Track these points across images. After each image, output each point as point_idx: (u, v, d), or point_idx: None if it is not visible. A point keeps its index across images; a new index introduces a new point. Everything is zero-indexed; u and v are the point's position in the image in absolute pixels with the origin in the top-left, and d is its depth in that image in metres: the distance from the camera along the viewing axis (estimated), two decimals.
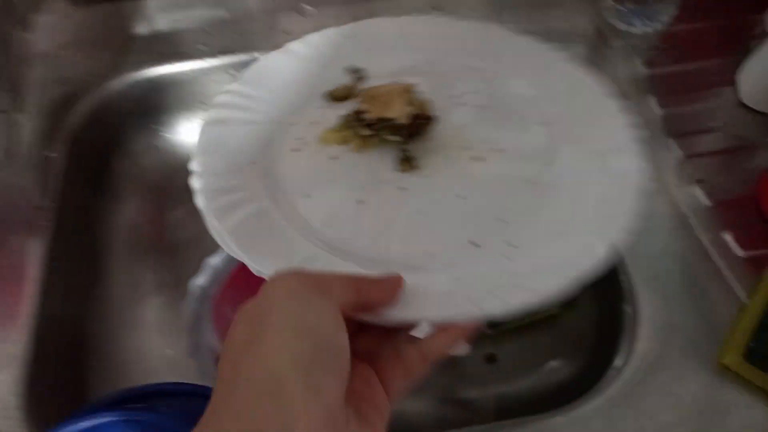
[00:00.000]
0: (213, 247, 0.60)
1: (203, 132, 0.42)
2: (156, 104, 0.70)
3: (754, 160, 0.58)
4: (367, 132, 0.42)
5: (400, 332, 0.32)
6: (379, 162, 0.42)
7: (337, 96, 0.46)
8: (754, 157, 0.59)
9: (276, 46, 0.67)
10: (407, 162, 0.42)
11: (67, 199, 0.61)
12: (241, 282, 0.61)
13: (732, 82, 0.62)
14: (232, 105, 0.44)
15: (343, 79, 0.47)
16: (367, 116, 0.42)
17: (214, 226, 0.38)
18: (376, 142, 0.42)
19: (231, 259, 0.61)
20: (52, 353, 0.55)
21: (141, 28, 0.69)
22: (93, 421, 0.42)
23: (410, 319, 0.32)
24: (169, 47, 0.68)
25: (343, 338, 0.26)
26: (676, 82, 0.64)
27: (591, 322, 0.58)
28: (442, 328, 0.31)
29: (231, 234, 0.36)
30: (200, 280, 0.60)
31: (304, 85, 0.47)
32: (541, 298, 0.33)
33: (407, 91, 0.42)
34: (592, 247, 0.35)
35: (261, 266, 0.35)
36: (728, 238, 0.54)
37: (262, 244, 0.36)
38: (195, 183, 0.39)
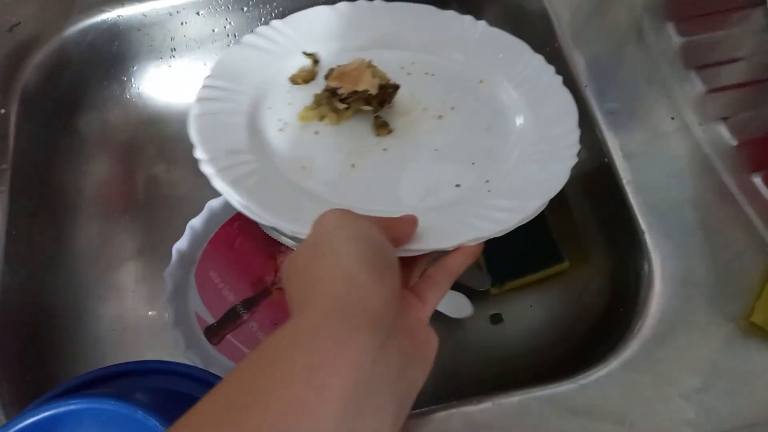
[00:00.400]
0: (192, 206, 0.56)
1: (194, 125, 0.45)
2: (120, 52, 0.64)
3: None
4: (342, 106, 0.48)
5: (421, 261, 0.40)
6: (357, 130, 0.49)
7: (301, 79, 0.52)
8: None
9: None
10: (383, 127, 0.48)
11: (25, 161, 0.56)
12: (225, 245, 0.58)
13: (760, 3, 0.56)
14: (212, 98, 0.48)
15: (300, 63, 0.53)
16: (341, 92, 0.47)
17: (238, 200, 0.42)
18: (350, 114, 0.49)
19: (213, 222, 0.58)
20: (16, 329, 0.51)
21: None
22: (54, 410, 0.37)
23: (426, 249, 0.39)
24: None
25: (390, 246, 0.33)
26: (696, 4, 0.57)
27: (604, 278, 0.53)
28: (455, 250, 0.39)
29: (260, 206, 0.41)
30: (182, 245, 0.56)
31: (267, 72, 0.52)
32: (525, 215, 0.42)
33: (369, 65, 0.49)
34: (552, 170, 0.45)
35: (293, 227, 0.40)
36: (757, 180, 0.49)
37: (287, 209, 0.42)
38: (207, 168, 0.43)
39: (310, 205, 0.42)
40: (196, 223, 0.57)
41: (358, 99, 0.47)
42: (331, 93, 0.48)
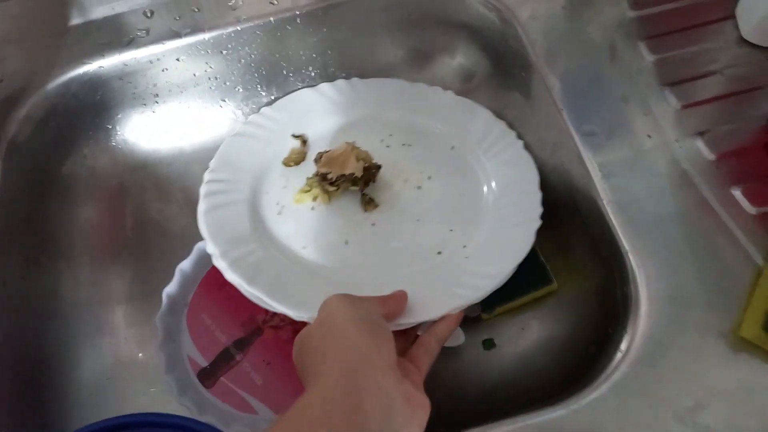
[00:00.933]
0: (182, 248, 0.56)
1: (203, 222, 0.50)
2: (103, 101, 0.64)
3: (761, 104, 0.52)
4: (332, 188, 0.52)
5: (413, 330, 0.46)
6: (347, 207, 0.53)
7: (293, 161, 0.56)
8: (761, 100, 0.53)
9: (223, 23, 0.62)
10: (369, 203, 0.53)
11: (13, 212, 0.57)
12: (215, 286, 0.58)
13: (731, 16, 0.56)
14: (215, 192, 0.53)
15: (291, 145, 0.58)
16: (330, 176, 0.52)
17: (249, 292, 0.47)
18: (339, 193, 0.53)
19: (202, 264, 0.58)
20: (6, 376, 0.51)
21: (75, 19, 0.63)
22: None
23: (415, 322, 0.44)
24: (108, 36, 0.62)
25: (384, 322, 0.40)
26: (667, 22, 0.58)
27: (593, 297, 0.53)
28: (441, 318, 0.45)
29: (270, 296, 0.46)
30: (172, 289, 0.56)
31: (262, 158, 0.56)
32: (500, 280, 0.47)
33: (353, 149, 0.52)
34: (522, 232, 0.49)
35: (301, 313, 0.45)
36: (737, 194, 0.49)
37: (294, 296, 0.46)
38: (219, 263, 0.48)
39: (313, 289, 0.46)
40: (185, 265, 0.57)
41: (346, 180, 0.52)
42: (322, 177, 0.52)
